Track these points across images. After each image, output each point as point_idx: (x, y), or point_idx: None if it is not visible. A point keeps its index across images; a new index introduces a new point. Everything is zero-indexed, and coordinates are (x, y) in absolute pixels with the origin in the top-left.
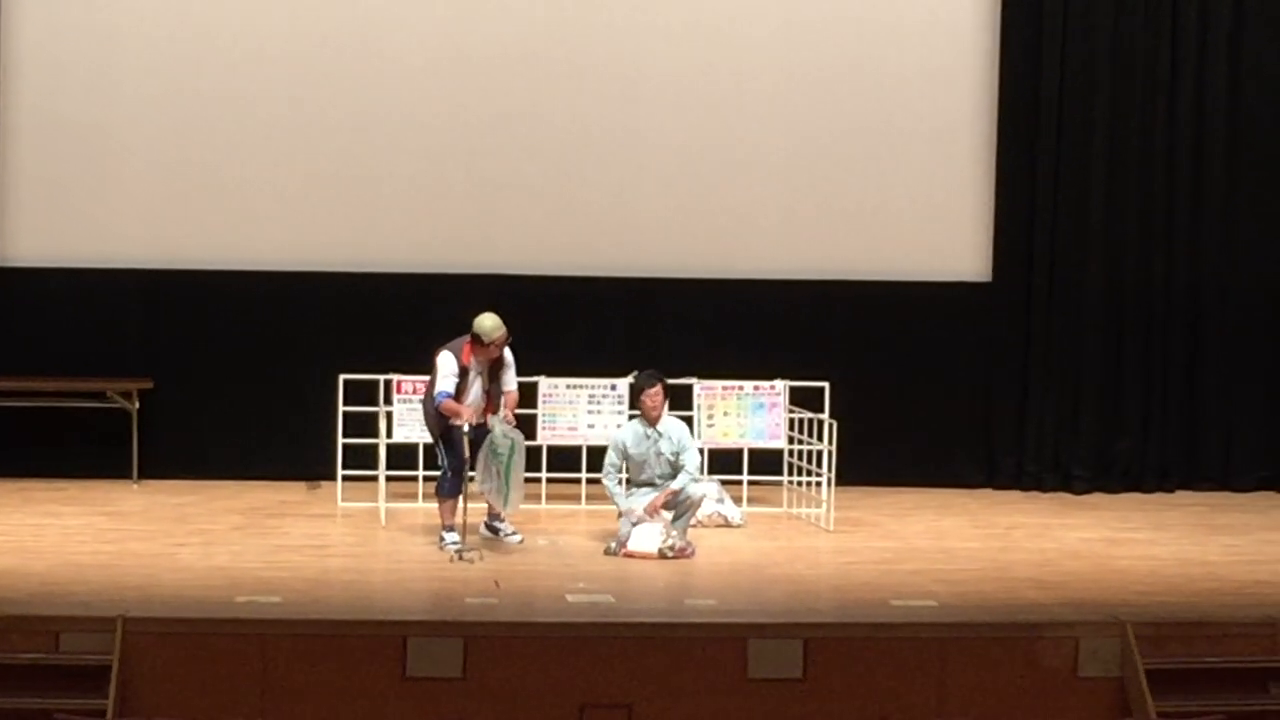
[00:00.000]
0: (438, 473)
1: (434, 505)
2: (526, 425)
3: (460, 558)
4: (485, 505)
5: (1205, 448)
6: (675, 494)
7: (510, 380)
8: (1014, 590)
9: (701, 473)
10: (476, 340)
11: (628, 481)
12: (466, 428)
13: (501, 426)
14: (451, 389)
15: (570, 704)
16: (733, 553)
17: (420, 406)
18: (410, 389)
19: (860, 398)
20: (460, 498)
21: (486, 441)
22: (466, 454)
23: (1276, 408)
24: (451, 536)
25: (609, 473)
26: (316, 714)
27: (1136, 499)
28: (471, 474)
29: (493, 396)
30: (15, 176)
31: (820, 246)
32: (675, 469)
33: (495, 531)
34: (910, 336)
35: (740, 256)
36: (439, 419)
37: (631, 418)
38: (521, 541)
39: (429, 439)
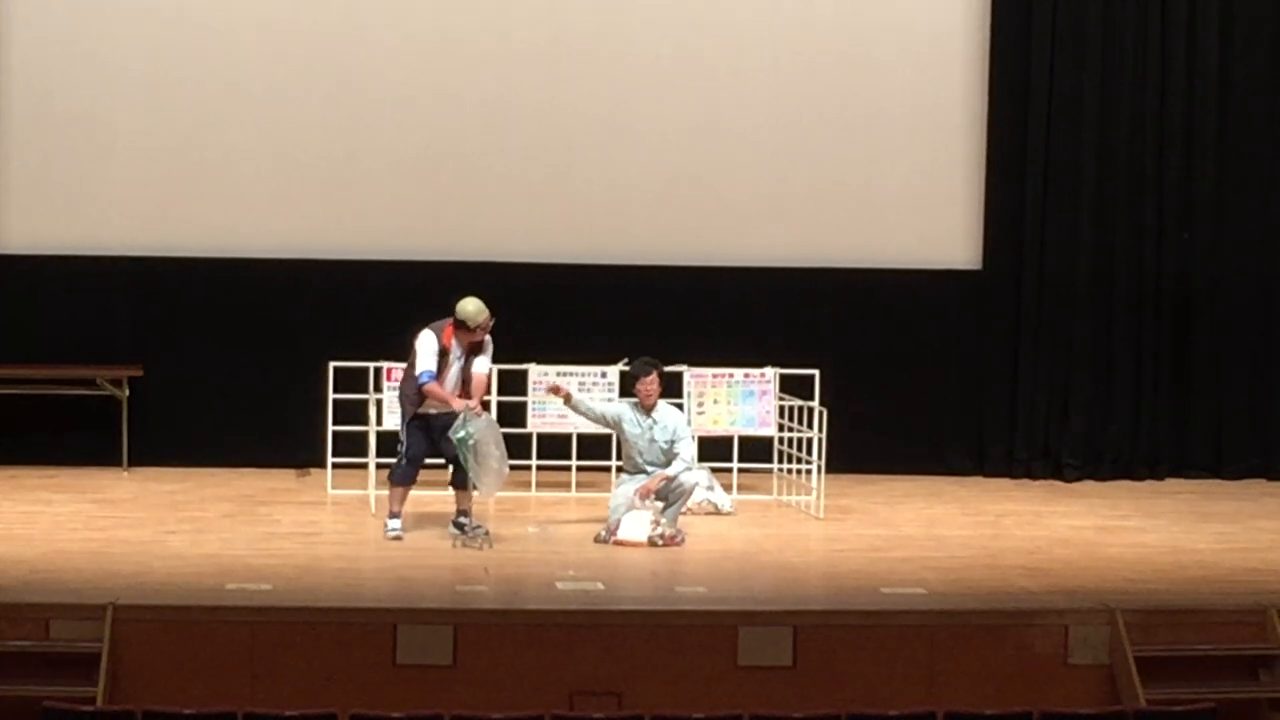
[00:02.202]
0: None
1: (425, 494)
2: (516, 413)
3: (464, 545)
4: (451, 494)
5: (1196, 435)
6: (669, 480)
7: (483, 363)
8: (1004, 578)
9: (694, 463)
10: (461, 325)
11: (619, 469)
12: (435, 411)
13: (464, 414)
14: (434, 368)
15: (560, 691)
16: (723, 540)
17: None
18: (400, 376)
19: (851, 385)
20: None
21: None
22: (425, 445)
23: (1267, 395)
24: (393, 524)
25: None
26: (306, 701)
27: (1127, 486)
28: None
29: (467, 380)
30: (6, 164)
31: (811, 234)
32: (669, 457)
33: (460, 528)
34: (901, 324)
35: (730, 244)
36: (417, 400)
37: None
38: (487, 534)
39: None
